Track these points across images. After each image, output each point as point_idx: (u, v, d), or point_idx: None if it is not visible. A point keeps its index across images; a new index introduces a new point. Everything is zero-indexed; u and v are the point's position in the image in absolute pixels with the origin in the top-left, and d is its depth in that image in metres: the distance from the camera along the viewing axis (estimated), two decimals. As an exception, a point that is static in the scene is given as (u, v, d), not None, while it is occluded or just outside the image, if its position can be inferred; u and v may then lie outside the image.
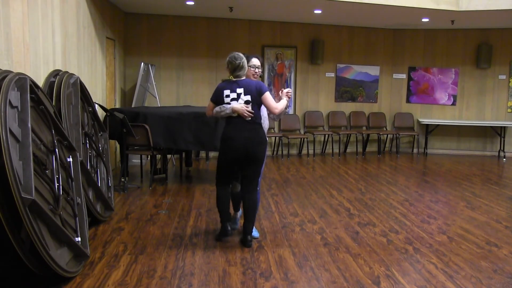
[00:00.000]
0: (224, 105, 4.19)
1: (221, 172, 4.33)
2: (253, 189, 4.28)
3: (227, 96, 4.19)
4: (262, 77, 9.64)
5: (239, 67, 4.20)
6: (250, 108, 4.15)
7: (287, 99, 4.36)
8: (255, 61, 4.44)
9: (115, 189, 6.01)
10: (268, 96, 4.20)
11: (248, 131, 4.16)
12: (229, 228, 4.43)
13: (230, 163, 4.25)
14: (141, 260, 3.90)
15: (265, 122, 4.47)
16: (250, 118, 4.15)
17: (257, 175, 4.31)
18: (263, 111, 4.40)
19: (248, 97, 4.17)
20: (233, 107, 4.13)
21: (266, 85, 9.54)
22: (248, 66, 4.33)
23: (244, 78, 4.26)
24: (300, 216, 5.31)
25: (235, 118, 4.17)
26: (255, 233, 4.51)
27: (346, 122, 10.28)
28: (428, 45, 10.36)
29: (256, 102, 4.19)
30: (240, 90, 4.17)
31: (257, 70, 4.43)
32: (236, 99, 4.17)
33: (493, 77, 10.20)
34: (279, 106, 4.24)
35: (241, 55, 4.23)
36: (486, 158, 10.06)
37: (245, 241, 4.27)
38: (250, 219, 4.28)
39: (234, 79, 4.23)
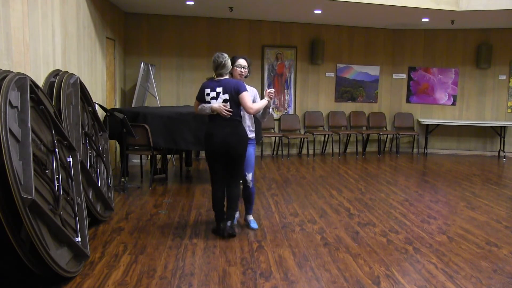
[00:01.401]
0: (204, 104, 4.38)
1: (211, 169, 4.52)
2: (236, 183, 4.52)
3: (208, 94, 4.38)
4: (260, 77, 9.65)
5: (221, 65, 4.36)
6: (228, 107, 4.31)
7: (269, 99, 4.50)
8: (241, 61, 4.60)
9: (115, 189, 6.01)
10: (244, 96, 4.32)
11: (227, 127, 4.34)
12: (222, 227, 4.51)
13: (215, 158, 4.41)
14: (141, 260, 3.90)
15: (247, 121, 4.63)
16: (229, 116, 4.31)
17: (240, 170, 4.51)
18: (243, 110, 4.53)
19: (226, 96, 4.33)
20: (212, 106, 4.33)
21: (266, 85, 9.63)
22: (234, 66, 4.52)
23: (226, 77, 4.42)
24: (300, 216, 5.31)
25: (216, 115, 4.35)
26: (254, 224, 4.77)
27: (346, 122, 10.27)
28: (428, 45, 10.36)
29: (234, 100, 4.34)
30: (219, 89, 4.35)
31: (243, 70, 4.58)
32: (216, 98, 4.34)
33: (493, 77, 10.19)
34: (255, 106, 4.39)
35: (225, 54, 4.40)
36: (486, 158, 10.06)
37: (225, 227, 4.46)
38: (231, 206, 4.52)
39: (216, 78, 4.39)
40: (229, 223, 4.48)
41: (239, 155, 4.40)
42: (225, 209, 4.57)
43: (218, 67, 4.36)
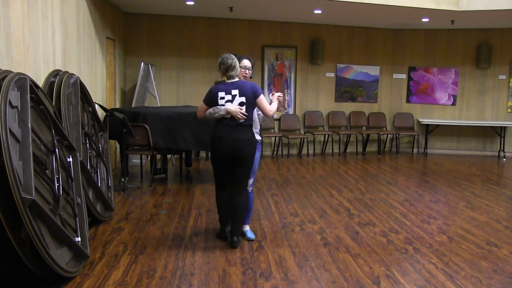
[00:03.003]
0: (218, 106, 4.17)
1: (216, 173, 4.35)
2: (242, 190, 4.28)
3: (222, 98, 4.17)
4: (260, 77, 9.65)
5: (231, 67, 4.19)
6: (244, 110, 4.14)
7: (278, 102, 4.37)
8: (246, 62, 4.42)
9: (115, 189, 6.01)
10: (263, 99, 4.22)
11: (237, 132, 4.15)
12: (227, 230, 4.39)
13: (221, 162, 4.22)
14: (141, 260, 3.90)
15: (257, 124, 4.45)
16: (242, 120, 4.15)
17: (246, 176, 4.30)
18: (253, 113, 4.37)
19: (243, 99, 4.15)
20: (228, 108, 4.11)
21: (266, 85, 9.63)
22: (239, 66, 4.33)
23: (237, 79, 4.25)
24: (300, 216, 5.31)
25: (227, 119, 4.16)
26: (250, 234, 4.49)
27: (346, 122, 10.28)
28: (428, 45, 10.36)
29: (250, 103, 4.18)
30: (235, 92, 4.16)
31: (247, 71, 4.42)
32: (231, 101, 4.15)
33: (493, 77, 10.20)
34: (273, 109, 4.28)
35: (232, 55, 4.23)
36: (486, 158, 10.06)
37: (231, 242, 4.25)
38: (237, 220, 4.27)
39: (228, 81, 4.22)
40: (235, 239, 4.23)
41: (247, 161, 4.19)
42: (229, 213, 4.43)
43: (229, 69, 4.18)
